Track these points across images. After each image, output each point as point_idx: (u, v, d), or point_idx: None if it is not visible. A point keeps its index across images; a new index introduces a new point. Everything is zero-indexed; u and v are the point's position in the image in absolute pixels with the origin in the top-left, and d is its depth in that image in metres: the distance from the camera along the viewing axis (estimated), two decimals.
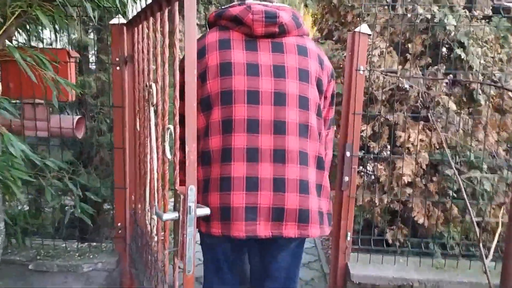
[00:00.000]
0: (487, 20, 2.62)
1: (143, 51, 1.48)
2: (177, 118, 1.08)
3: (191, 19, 0.89)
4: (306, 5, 3.31)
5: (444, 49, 2.79)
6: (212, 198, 1.28)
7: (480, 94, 2.50)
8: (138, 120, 1.67)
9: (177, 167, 1.11)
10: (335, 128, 1.98)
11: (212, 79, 1.28)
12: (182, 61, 1.04)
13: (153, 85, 1.32)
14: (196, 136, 0.97)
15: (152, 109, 1.38)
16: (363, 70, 1.89)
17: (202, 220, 1.30)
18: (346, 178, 1.95)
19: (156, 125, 1.30)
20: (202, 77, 1.30)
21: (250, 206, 1.26)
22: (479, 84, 2.44)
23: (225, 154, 1.27)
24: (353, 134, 1.94)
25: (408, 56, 2.70)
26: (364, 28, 1.84)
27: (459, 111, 2.54)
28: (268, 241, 1.33)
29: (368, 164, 3.11)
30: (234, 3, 1.35)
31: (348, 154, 1.94)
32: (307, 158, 1.32)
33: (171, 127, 1.12)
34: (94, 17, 1.69)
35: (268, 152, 1.27)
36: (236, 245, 1.42)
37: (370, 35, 1.89)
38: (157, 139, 1.33)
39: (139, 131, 1.66)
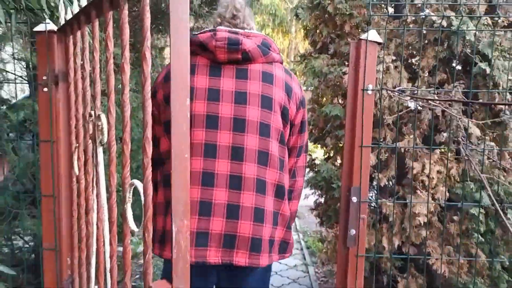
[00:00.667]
0: None
1: (83, 67, 1.01)
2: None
3: (181, 30, 0.58)
4: (297, 15, 2.88)
5: (457, 65, 2.36)
6: (168, 222, 1.25)
7: (508, 115, 2.06)
8: (76, 159, 1.18)
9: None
10: (307, 155, 1.85)
11: None
12: (155, 83, 1.20)
13: (102, 116, 0.90)
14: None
15: (100, 149, 0.97)
16: (372, 90, 1.44)
17: (156, 243, 1.30)
18: (353, 232, 1.47)
19: (109, 175, 0.83)
20: (166, 100, 1.30)
21: (201, 231, 1.25)
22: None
23: None
24: (361, 174, 1.47)
25: (418, 71, 2.26)
26: (372, 35, 1.38)
27: (483, 136, 2.09)
28: (236, 267, 1.31)
29: (372, 197, 2.64)
30: (205, 29, 1.36)
31: (354, 199, 1.46)
32: (265, 186, 1.32)
33: (138, 183, 0.69)
34: (8, 22, 1.23)
35: (224, 177, 1.27)
36: (199, 271, 1.34)
37: (380, 43, 1.43)
38: (109, 197, 0.84)
39: (78, 175, 1.16)
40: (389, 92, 1.89)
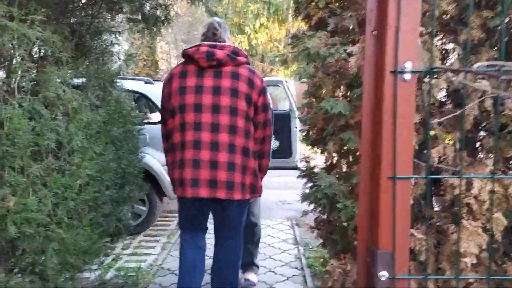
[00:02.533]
0: None
1: None
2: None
3: None
4: None
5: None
6: (176, 173, 2.00)
7: None
8: None
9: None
10: (272, 127, 2.27)
11: (174, 97, 1.99)
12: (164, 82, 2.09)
13: None
14: None
15: None
16: (413, 72, 0.75)
17: (174, 188, 2.07)
18: None
19: None
20: (169, 95, 2.02)
21: (195, 178, 1.93)
22: None
23: (182, 145, 1.96)
24: (394, 229, 0.79)
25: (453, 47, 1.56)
26: None
27: None
28: (220, 202, 2.01)
29: None
30: (192, 45, 2.04)
31: (382, 276, 0.79)
32: (234, 148, 1.96)
33: None
34: None
35: (207, 143, 1.93)
36: (196, 203, 2.08)
37: None
38: None
39: None
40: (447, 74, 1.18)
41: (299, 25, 2.69)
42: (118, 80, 2.95)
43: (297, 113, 5.29)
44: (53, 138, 1.98)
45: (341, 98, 2.01)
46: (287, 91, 5.15)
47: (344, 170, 2.19)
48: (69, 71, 2.24)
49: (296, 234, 4.19)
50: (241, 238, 2.23)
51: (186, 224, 2.22)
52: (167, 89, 2.03)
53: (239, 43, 10.31)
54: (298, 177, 2.77)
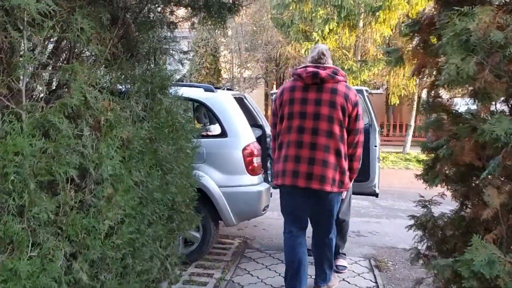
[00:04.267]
0: None
1: None
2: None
3: None
4: None
5: None
6: (280, 166, 2.55)
7: None
8: None
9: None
10: (362, 135, 2.63)
11: (284, 106, 2.56)
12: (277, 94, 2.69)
13: None
14: None
15: None
16: None
17: (276, 177, 2.61)
18: None
19: None
20: (280, 105, 2.60)
21: (295, 170, 2.46)
22: None
23: (288, 144, 2.52)
24: None
25: None
26: None
27: None
28: (314, 195, 2.50)
29: None
30: (300, 66, 2.63)
31: None
32: (329, 149, 2.44)
33: None
34: None
35: (308, 144, 2.45)
36: (294, 193, 2.56)
37: None
38: None
39: None
40: None
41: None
42: (172, 86, 2.37)
43: (377, 128, 4.40)
44: (75, 163, 1.40)
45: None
46: (367, 103, 4.29)
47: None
48: (106, 72, 1.67)
49: (378, 281, 3.30)
50: (334, 230, 2.76)
51: (288, 218, 2.72)
52: (279, 100, 2.62)
53: (305, 51, 9.59)
54: (408, 227, 1.94)
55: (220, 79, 12.66)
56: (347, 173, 2.54)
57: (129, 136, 1.73)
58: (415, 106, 11.55)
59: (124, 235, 1.65)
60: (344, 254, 3.57)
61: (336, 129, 2.43)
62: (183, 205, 2.34)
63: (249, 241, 4.22)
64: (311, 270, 3.00)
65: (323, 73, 2.44)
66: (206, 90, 3.73)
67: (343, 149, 2.47)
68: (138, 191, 1.79)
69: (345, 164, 2.50)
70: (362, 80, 9.28)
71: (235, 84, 12.78)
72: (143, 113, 1.90)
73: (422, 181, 1.76)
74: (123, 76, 1.80)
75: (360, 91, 4.36)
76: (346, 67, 9.33)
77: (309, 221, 2.75)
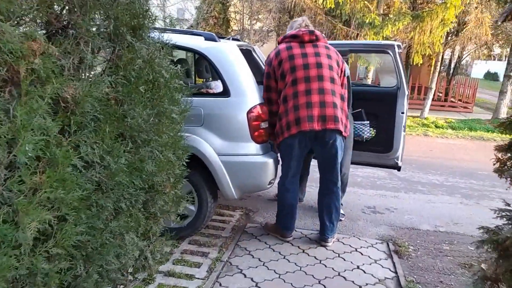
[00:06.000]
0: None
1: None
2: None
3: None
4: None
5: None
6: (290, 116, 2.74)
7: None
8: None
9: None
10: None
11: (285, 63, 2.78)
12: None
13: None
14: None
15: None
16: None
17: (282, 132, 2.81)
18: None
19: None
20: (279, 64, 2.81)
21: (309, 115, 2.68)
22: None
23: (295, 94, 2.74)
24: None
25: None
26: None
27: None
28: (321, 135, 2.74)
29: None
30: (288, 33, 2.93)
31: None
32: (335, 93, 2.76)
33: None
34: None
35: (316, 89, 2.71)
36: (303, 142, 2.79)
37: None
38: None
39: None
40: None
41: None
42: (152, 28, 1.75)
43: (406, 92, 3.74)
44: None
45: None
46: (398, 61, 3.61)
47: None
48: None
49: (398, 271, 2.84)
50: (339, 178, 2.98)
51: (289, 169, 2.94)
52: (276, 60, 2.83)
53: (323, 1, 8.61)
54: (476, 244, 1.37)
55: (229, 30, 11.74)
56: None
57: (75, 95, 1.16)
58: (438, 67, 10.65)
59: (67, 238, 1.14)
60: (342, 204, 3.60)
61: (336, 76, 2.81)
62: (166, 185, 1.81)
63: (252, 214, 3.75)
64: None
65: (317, 32, 2.86)
66: (207, 38, 3.07)
67: (344, 93, 2.90)
68: (92, 175, 1.25)
69: (346, 109, 2.91)
70: (384, 36, 8.38)
71: (245, 36, 11.87)
72: (101, 61, 1.31)
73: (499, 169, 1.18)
74: (64, 2, 1.19)
75: (389, 46, 3.65)
76: (367, 21, 8.42)
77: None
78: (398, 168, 3.83)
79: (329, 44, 2.98)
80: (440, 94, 13.12)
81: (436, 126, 9.33)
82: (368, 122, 3.77)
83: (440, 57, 10.59)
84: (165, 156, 1.75)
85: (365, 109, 3.78)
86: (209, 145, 2.91)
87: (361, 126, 3.79)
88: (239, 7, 12.22)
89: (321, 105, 2.70)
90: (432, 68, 10.96)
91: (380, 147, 3.82)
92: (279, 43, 2.95)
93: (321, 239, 3.08)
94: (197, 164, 2.92)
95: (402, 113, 3.71)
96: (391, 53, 3.59)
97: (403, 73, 3.67)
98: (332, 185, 2.95)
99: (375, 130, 3.85)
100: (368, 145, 3.84)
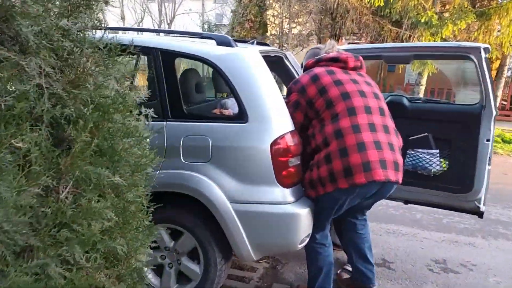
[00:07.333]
0: None
1: None
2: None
3: None
4: None
5: None
6: (353, 158, 1.93)
7: None
8: None
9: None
10: None
11: (330, 89, 2.05)
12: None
13: None
14: None
15: None
16: None
17: (329, 181, 1.98)
18: None
19: None
20: (321, 91, 2.06)
21: (382, 159, 1.96)
22: None
23: (355, 128, 2.00)
24: None
25: None
26: None
27: None
28: (385, 189, 2.05)
29: None
30: (321, 55, 2.24)
31: None
32: (396, 132, 2.13)
33: None
34: None
35: (380, 126, 2.05)
36: (361, 194, 2.03)
37: None
38: None
39: None
40: None
41: None
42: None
43: (494, 112, 2.71)
44: None
45: None
46: (483, 70, 2.60)
47: None
48: None
49: None
50: None
51: (323, 226, 2.24)
52: (315, 86, 2.07)
53: (368, 0, 7.60)
54: None
55: (266, 34, 10.96)
56: None
57: None
58: (505, 72, 9.19)
59: None
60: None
61: (386, 106, 2.17)
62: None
63: (280, 268, 2.88)
64: None
65: (361, 57, 2.26)
66: (220, 43, 2.26)
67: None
68: None
69: None
70: (443, 36, 7.21)
71: (284, 41, 11.04)
72: None
73: None
74: None
75: (473, 50, 2.63)
76: (423, 20, 7.29)
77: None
78: (480, 214, 2.79)
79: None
80: (505, 103, 11.46)
81: (504, 141, 7.93)
82: (437, 151, 2.80)
83: (507, 61, 9.14)
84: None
85: (434, 133, 2.82)
86: (218, 189, 2.11)
87: (426, 156, 2.83)
88: (277, 9, 11.40)
89: (391, 147, 2.00)
90: (498, 73, 9.50)
91: (454, 185, 2.81)
92: (307, 67, 2.25)
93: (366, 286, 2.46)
94: (202, 211, 2.13)
95: (488, 140, 2.68)
96: (475, 59, 2.58)
97: (490, 86, 2.65)
98: (367, 226, 2.50)
99: (447, 162, 2.86)
100: (436, 181, 2.86)
